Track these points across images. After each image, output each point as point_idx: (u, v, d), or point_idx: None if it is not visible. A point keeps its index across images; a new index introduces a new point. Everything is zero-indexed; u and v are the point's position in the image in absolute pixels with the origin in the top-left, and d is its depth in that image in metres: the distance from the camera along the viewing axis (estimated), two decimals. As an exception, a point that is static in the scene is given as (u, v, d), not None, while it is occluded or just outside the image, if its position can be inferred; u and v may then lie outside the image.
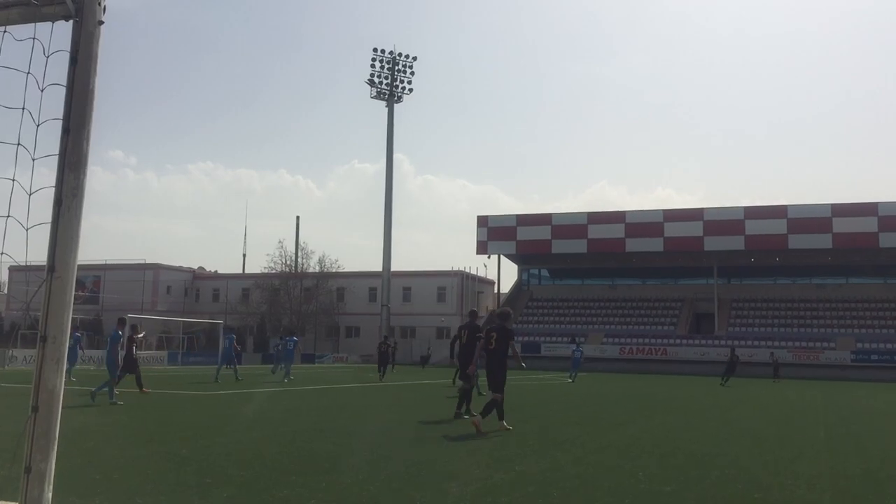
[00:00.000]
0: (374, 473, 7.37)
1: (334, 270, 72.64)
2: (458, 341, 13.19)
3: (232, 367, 26.84)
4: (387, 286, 66.72)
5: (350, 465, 7.87)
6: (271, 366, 35.73)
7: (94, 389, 15.57)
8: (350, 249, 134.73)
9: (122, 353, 16.64)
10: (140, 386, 17.27)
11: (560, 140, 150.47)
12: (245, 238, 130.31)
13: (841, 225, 54.73)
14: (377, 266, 68.94)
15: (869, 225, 54.15)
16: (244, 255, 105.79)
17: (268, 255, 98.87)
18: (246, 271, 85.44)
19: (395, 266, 68.27)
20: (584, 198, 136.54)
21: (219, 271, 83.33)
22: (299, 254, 74.59)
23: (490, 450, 9.34)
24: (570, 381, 30.94)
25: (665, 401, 21.01)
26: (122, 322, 17.13)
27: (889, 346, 51.64)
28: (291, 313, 71.78)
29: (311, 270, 72.72)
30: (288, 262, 73.74)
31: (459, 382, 12.22)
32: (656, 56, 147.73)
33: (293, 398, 18.65)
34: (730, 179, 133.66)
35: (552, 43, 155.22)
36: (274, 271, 72.92)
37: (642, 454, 9.34)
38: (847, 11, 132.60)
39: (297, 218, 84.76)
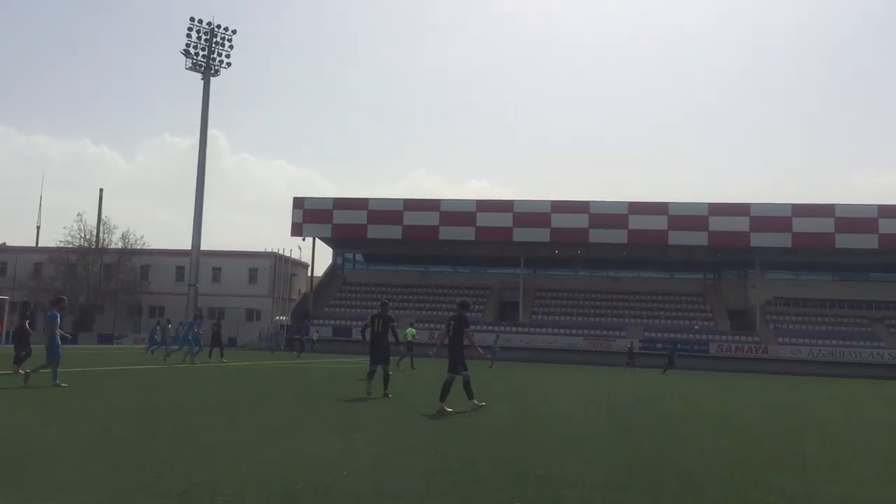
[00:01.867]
0: (156, 456, 7.10)
1: (139, 247, 68.99)
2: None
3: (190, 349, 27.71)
4: (195, 265, 64.04)
5: (131, 450, 7.53)
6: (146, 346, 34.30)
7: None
8: (159, 227, 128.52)
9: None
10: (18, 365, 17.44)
11: (380, 127, 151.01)
12: (40, 209, 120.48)
13: (636, 222, 58.82)
14: (187, 244, 66.05)
15: (660, 223, 58.55)
16: (38, 228, 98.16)
17: (65, 227, 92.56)
18: (40, 244, 79.22)
19: (206, 245, 65.76)
20: (401, 185, 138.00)
21: (7, 243, 76.63)
22: (101, 228, 70.21)
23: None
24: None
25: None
26: (59, 301, 16.89)
27: (671, 335, 56.23)
28: (89, 290, 67.43)
29: (113, 246, 68.62)
30: (87, 237, 69.16)
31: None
32: (478, 49, 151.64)
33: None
34: (539, 175, 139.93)
35: (375, 29, 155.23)
36: (71, 245, 68.13)
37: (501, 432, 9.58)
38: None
39: (101, 191, 79.78)
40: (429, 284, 67.34)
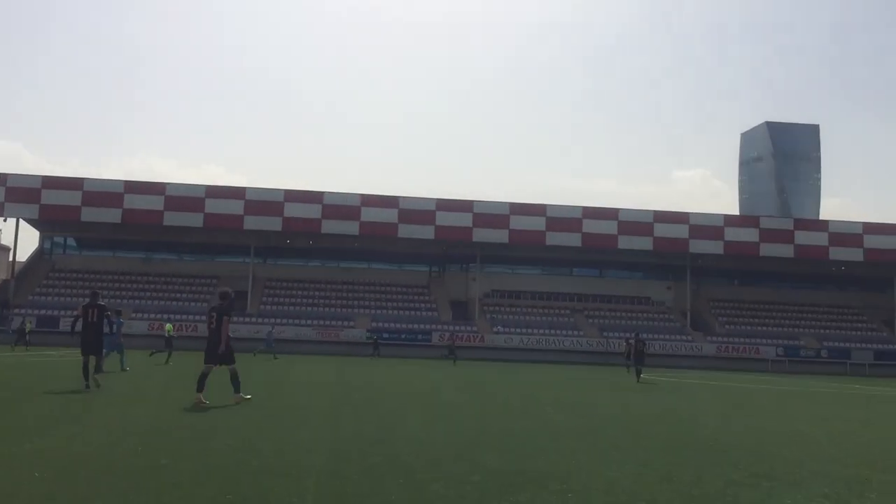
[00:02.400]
0: None
1: None
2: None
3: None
4: None
5: None
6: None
7: None
8: None
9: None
10: None
11: (106, 104, 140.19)
12: None
13: (368, 214, 59.89)
14: None
15: (390, 216, 60.15)
16: None
17: None
18: None
19: None
20: (130, 167, 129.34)
21: None
22: None
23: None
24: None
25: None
26: None
27: (398, 325, 58.05)
28: None
29: None
30: None
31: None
32: (214, 23, 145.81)
33: None
34: (274, 164, 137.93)
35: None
36: None
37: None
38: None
39: None
40: (151, 272, 63.57)
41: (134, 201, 58.23)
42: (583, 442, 9.58)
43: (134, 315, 54.97)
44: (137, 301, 58.53)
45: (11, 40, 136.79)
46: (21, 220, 60.20)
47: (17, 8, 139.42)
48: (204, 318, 12.82)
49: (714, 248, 61.62)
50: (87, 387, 14.34)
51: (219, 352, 12.56)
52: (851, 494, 6.74)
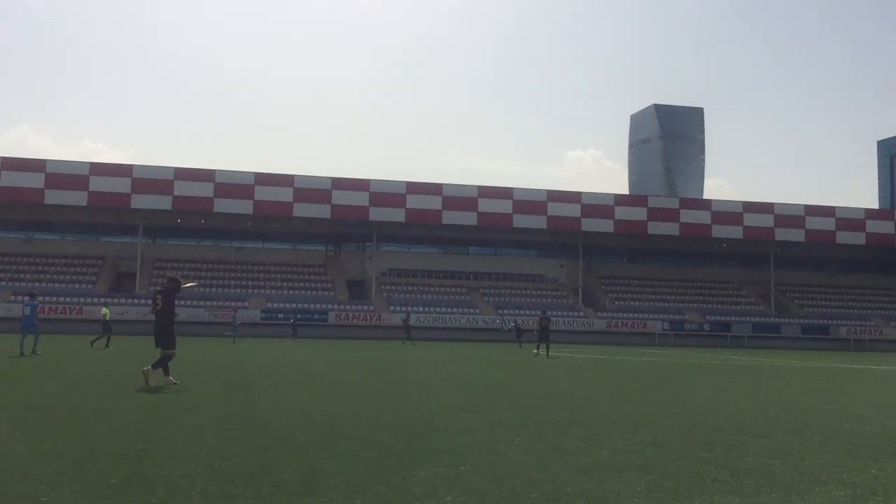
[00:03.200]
0: None
1: None
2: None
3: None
4: None
5: None
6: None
7: None
8: None
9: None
10: None
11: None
12: None
13: (262, 193, 58.71)
14: None
15: (286, 195, 59.14)
16: None
17: None
18: None
19: None
20: (1, 142, 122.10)
21: None
22: None
23: None
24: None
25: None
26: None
27: (293, 305, 57.33)
28: None
29: None
30: None
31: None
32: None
33: None
34: (160, 140, 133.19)
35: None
36: None
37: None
38: None
39: None
40: (32, 253, 60.50)
41: (9, 179, 55.25)
42: (476, 418, 9.75)
43: (13, 298, 52.22)
44: (18, 283, 55.72)
45: None
46: None
47: None
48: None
49: (605, 226, 63.48)
50: None
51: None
52: (729, 458, 7.12)
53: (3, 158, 56.42)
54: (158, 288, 13.53)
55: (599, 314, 62.89)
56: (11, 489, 5.11)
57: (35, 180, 55.50)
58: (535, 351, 29.43)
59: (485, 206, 62.01)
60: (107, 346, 28.40)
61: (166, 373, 12.73)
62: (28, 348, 21.28)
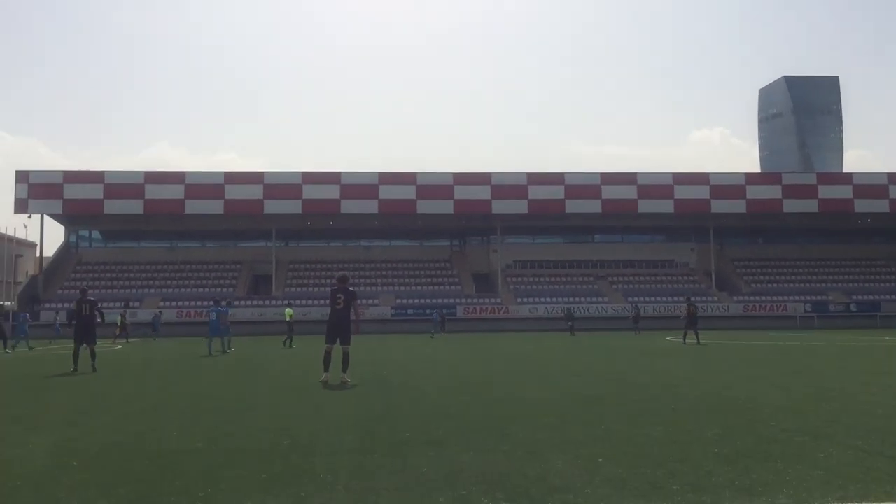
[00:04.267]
0: None
1: None
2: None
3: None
4: None
5: None
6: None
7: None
8: None
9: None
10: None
11: (117, 94, 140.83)
12: None
13: (386, 192, 59.94)
14: None
15: (409, 193, 60.15)
16: None
17: None
18: None
19: None
20: (142, 157, 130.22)
21: None
22: None
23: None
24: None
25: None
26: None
27: (422, 300, 58.25)
28: None
29: None
30: None
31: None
32: (226, 14, 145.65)
33: None
34: (292, 146, 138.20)
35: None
36: None
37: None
38: None
39: None
40: (175, 261, 64.22)
41: (155, 191, 58.74)
42: (611, 408, 9.60)
43: (162, 304, 55.57)
44: (165, 290, 59.19)
45: (12, 38, 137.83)
46: (46, 216, 60.87)
47: (15, 5, 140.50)
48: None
49: (736, 207, 61.14)
50: (75, 370, 16.52)
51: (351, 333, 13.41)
52: (885, 445, 6.72)
53: (146, 173, 60.11)
54: (334, 287, 13.73)
55: (735, 298, 60.61)
56: (167, 486, 5.43)
57: (176, 192, 58.85)
58: (683, 341, 28.72)
59: (608, 192, 60.96)
60: (290, 345, 30.19)
61: (326, 367, 13.29)
62: (216, 349, 24.36)
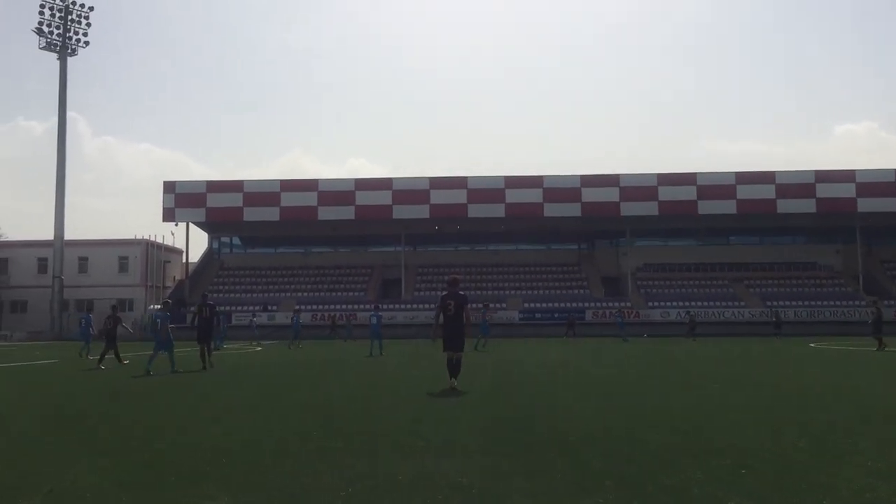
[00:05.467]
0: (17, 455, 6.80)
1: (-5, 239, 64.95)
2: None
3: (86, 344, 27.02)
4: (59, 256, 61.00)
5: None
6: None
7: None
8: (14, 217, 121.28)
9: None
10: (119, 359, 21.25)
11: (253, 106, 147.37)
12: None
13: (513, 196, 60.00)
14: (47, 235, 62.73)
15: (535, 196, 59.94)
16: None
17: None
18: None
19: (70, 235, 62.70)
20: (277, 166, 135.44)
21: None
22: (-49, 220, 65.45)
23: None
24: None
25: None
26: (166, 304, 21.22)
27: (550, 304, 57.86)
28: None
29: (-34, 239, 64.23)
30: (-62, 229, 64.41)
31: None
32: (351, 24, 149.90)
33: None
34: (414, 151, 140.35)
35: (240, 2, 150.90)
36: (-81, 240, 63.31)
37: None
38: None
39: (-52, 180, 74.34)
40: (309, 266, 66.59)
41: (290, 199, 61.09)
42: (749, 416, 9.21)
43: (298, 307, 57.68)
44: (300, 294, 61.39)
45: (189, 57, 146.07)
46: (191, 224, 64.42)
47: (187, 27, 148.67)
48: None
49: (886, 205, 57.49)
50: (204, 368, 18.37)
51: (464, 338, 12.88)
52: None
53: (282, 182, 62.63)
54: (445, 293, 13.19)
55: (886, 302, 56.90)
56: (313, 484, 5.62)
57: (310, 199, 61.02)
58: (878, 347, 26.36)
59: (744, 192, 58.68)
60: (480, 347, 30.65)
61: (452, 374, 12.79)
62: (376, 351, 25.69)
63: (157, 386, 14.68)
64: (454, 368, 12.71)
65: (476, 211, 60.33)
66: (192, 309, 19.01)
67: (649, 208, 59.22)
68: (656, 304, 58.28)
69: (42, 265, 64.94)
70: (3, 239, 65.48)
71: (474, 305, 28.11)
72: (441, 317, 13.04)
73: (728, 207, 58.86)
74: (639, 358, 23.76)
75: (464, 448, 6.95)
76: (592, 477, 5.72)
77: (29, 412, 10.70)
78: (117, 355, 21.44)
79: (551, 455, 6.56)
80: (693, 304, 57.21)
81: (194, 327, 19.68)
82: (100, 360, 20.72)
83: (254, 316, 36.94)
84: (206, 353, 19.08)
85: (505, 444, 7.15)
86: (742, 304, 57.94)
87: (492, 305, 57.01)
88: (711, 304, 57.49)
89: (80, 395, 13.47)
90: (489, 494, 5.23)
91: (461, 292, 13.08)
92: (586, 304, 58.54)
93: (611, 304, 58.56)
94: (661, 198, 59.16)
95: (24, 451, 7.15)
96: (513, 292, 60.98)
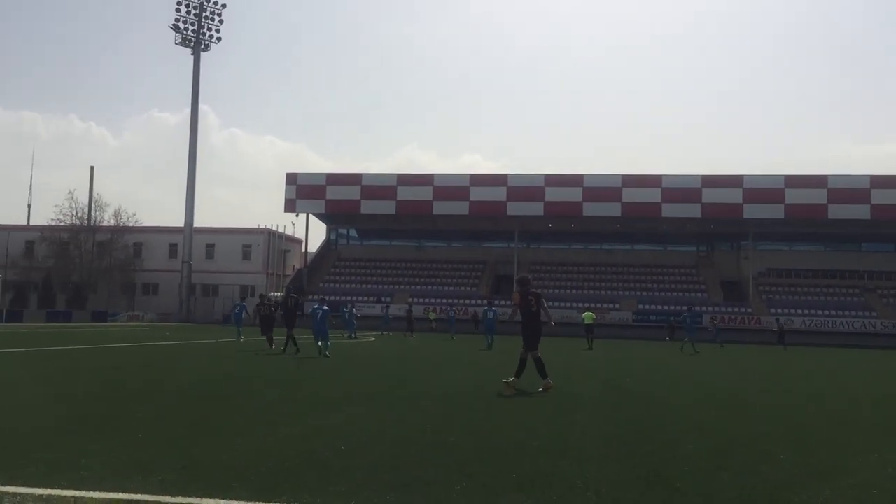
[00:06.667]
0: (152, 432, 7.18)
1: (131, 224, 68.84)
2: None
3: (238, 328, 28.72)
4: (189, 242, 64.16)
5: (126, 427, 7.60)
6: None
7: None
8: (147, 204, 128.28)
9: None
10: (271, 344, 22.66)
11: (373, 101, 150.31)
12: (30, 187, 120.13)
13: (629, 195, 58.84)
14: (178, 222, 66.10)
15: (653, 196, 58.57)
16: (29, 206, 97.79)
17: (56, 206, 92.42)
18: (31, 223, 78.88)
19: (198, 222, 65.83)
20: (393, 160, 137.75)
21: (-2, 222, 76.40)
22: (93, 206, 69.85)
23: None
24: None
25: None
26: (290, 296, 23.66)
27: (665, 307, 56.46)
28: (82, 269, 67.29)
29: (105, 224, 68.38)
30: (79, 215, 68.87)
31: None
32: (469, 21, 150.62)
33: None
34: (533, 148, 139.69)
35: (365, 0, 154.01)
36: (63, 223, 67.85)
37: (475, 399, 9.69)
38: None
39: (92, 168, 79.28)
40: (423, 259, 67.38)
41: (406, 192, 61.97)
42: (885, 437, 8.69)
43: (410, 300, 58.49)
44: (413, 287, 62.21)
45: (313, 53, 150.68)
46: (310, 215, 66.39)
47: (312, 25, 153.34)
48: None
49: None
50: (297, 351, 20.31)
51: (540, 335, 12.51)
52: None
53: (398, 175, 63.63)
54: (520, 289, 12.57)
55: None
56: (426, 476, 5.68)
57: (425, 193, 61.73)
58: None
59: (879, 196, 55.59)
60: (589, 347, 30.90)
61: (543, 374, 12.37)
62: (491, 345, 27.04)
63: (297, 370, 15.21)
64: (540, 367, 12.33)
65: (591, 209, 59.52)
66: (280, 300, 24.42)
67: (775, 211, 56.85)
68: (779, 310, 55.86)
69: (173, 250, 68.40)
70: (138, 224, 69.17)
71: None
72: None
73: (861, 212, 55.82)
74: (760, 367, 22.87)
75: (578, 450, 6.87)
76: (715, 487, 5.53)
77: (175, 387, 11.29)
78: (270, 341, 22.70)
79: (669, 464, 6.38)
80: (819, 312, 54.62)
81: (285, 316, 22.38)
82: (284, 347, 21.15)
83: (352, 306, 37.59)
84: (292, 340, 21.05)
85: (619, 449, 7.02)
86: (874, 314, 54.80)
87: (605, 306, 56.10)
88: (839, 313, 54.67)
89: (222, 375, 14.12)
90: (607, 499, 5.14)
91: (534, 290, 12.59)
92: (703, 309, 56.75)
93: (730, 310, 56.59)
94: (787, 200, 56.68)
95: (165, 424, 7.54)
96: (627, 293, 59.85)
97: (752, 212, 57.13)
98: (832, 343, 48.86)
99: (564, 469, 6.00)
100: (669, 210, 58.35)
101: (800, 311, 55.11)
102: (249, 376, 14.00)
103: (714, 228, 62.93)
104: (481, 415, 9.19)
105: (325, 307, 20.21)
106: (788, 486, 5.70)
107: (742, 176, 58.26)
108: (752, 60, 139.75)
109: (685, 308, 35.89)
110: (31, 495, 4.76)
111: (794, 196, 56.63)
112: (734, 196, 57.47)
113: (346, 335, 34.22)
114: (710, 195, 57.77)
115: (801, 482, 5.83)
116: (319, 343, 19.53)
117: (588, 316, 33.53)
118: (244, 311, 29.65)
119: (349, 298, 57.40)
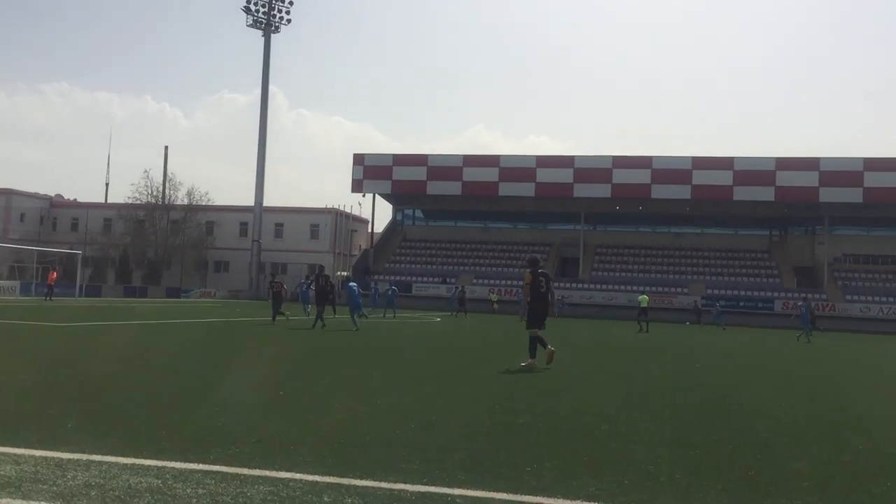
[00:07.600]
0: (227, 406, 7.37)
1: (204, 203, 70.54)
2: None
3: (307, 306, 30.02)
4: (259, 221, 65.45)
5: (203, 400, 7.82)
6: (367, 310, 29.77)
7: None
8: (218, 183, 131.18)
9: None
10: (278, 315, 24.66)
11: (439, 82, 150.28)
12: (108, 166, 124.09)
13: (700, 177, 57.62)
14: (247, 201, 67.47)
15: (724, 178, 57.23)
16: (107, 184, 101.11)
17: (132, 184, 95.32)
18: (109, 201, 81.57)
19: (267, 201, 67.07)
20: (459, 141, 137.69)
21: (78, 199, 79.17)
22: (167, 185, 71.81)
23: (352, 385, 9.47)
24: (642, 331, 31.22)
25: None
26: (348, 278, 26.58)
27: (734, 292, 55.26)
28: (157, 246, 69.32)
29: (179, 202, 70.25)
30: (154, 193, 70.90)
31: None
32: (536, 3, 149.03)
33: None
34: (600, 130, 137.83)
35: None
36: (139, 202, 69.97)
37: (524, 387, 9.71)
38: None
39: (166, 148, 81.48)
40: (488, 240, 67.31)
41: (472, 174, 61.93)
42: (971, 428, 8.36)
43: (475, 281, 58.60)
44: (478, 268, 62.29)
45: (381, 35, 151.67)
46: (376, 195, 66.93)
47: (381, 7, 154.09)
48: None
49: None
50: (313, 327, 21.64)
51: (548, 315, 12.93)
52: None
53: (465, 157, 63.57)
54: (530, 270, 12.80)
55: None
56: (497, 457, 5.70)
57: (491, 175, 61.56)
58: None
59: (966, 180, 53.15)
60: (646, 330, 31.16)
61: (534, 353, 12.45)
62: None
63: (367, 348, 15.44)
64: (532, 346, 12.47)
65: (660, 192, 58.52)
66: (310, 280, 27.78)
67: (853, 195, 54.96)
68: (856, 297, 54.18)
69: (243, 229, 69.92)
70: (210, 203, 70.83)
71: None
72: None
73: (946, 197, 53.56)
74: (837, 355, 22.25)
75: (649, 435, 6.80)
76: (790, 477, 5.41)
77: (248, 363, 11.60)
78: (320, 315, 23.15)
79: (743, 450, 6.27)
80: (892, 299, 52.73)
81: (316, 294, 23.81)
82: (314, 323, 22.54)
83: (391, 286, 38.74)
84: (320, 316, 22.54)
85: (692, 434, 6.92)
86: (957, 303, 52.65)
87: (670, 290, 55.17)
88: (920, 301, 52.71)
89: (294, 352, 14.43)
90: (680, 485, 5.08)
91: (543, 270, 12.90)
92: (775, 294, 55.44)
93: (803, 296, 55.07)
94: (866, 184, 54.72)
95: (241, 398, 7.75)
96: (695, 277, 58.78)
97: (828, 195, 55.35)
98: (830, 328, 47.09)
99: (636, 454, 5.94)
100: (741, 193, 56.97)
101: (877, 299, 53.31)
102: (320, 353, 14.25)
103: (788, 212, 61.22)
104: (550, 397, 9.17)
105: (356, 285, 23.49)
106: (867, 476, 5.54)
107: (818, 158, 56.42)
108: (831, 38, 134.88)
109: (801, 299, 35.53)
110: (117, 464, 4.93)
111: (872, 179, 54.64)
112: (810, 179, 55.75)
113: (383, 313, 35.72)
114: (784, 178, 56.16)
115: (880, 473, 5.66)
116: (356, 316, 22.39)
117: (643, 299, 33.28)
118: (310, 288, 30.18)
119: (414, 279, 57.76)
